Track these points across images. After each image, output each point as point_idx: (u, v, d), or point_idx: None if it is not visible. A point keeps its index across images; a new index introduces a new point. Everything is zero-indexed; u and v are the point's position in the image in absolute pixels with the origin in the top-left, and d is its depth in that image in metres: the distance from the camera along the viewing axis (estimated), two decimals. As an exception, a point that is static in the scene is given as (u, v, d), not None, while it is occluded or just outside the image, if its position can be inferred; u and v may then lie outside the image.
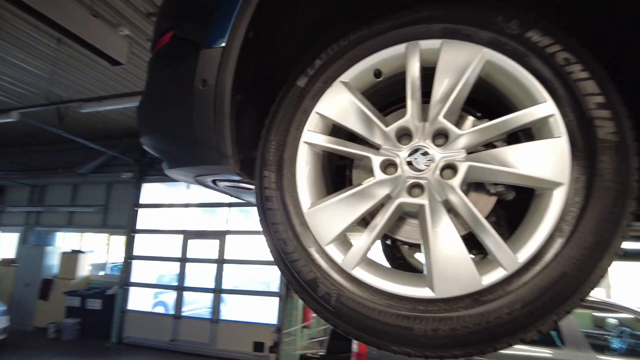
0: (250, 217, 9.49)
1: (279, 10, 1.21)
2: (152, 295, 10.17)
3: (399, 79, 1.09)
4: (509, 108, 1.02)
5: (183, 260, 9.65)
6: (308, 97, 1.10)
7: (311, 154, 1.08)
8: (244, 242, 9.33)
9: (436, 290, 0.90)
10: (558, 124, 0.90)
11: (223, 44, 1.15)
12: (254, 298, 9.07)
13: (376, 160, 1.00)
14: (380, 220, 0.96)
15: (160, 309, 10.00)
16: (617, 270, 7.42)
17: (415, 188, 0.98)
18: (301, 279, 0.98)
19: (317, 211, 1.01)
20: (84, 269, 10.70)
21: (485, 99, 1.13)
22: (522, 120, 0.94)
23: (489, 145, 1.01)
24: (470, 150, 0.97)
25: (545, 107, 0.91)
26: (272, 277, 8.97)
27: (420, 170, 0.97)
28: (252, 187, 1.53)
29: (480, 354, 0.86)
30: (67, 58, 6.51)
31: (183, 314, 9.38)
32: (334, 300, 0.95)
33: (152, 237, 10.19)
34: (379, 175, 0.99)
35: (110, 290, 9.88)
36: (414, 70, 1.02)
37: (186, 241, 9.72)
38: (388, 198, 0.98)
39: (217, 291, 9.18)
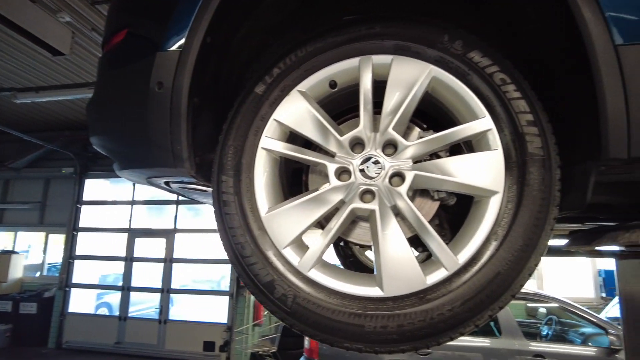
0: (199, 216, 9.31)
1: (237, 14, 1.23)
2: (95, 296, 9.69)
3: (353, 90, 1.14)
4: (452, 121, 1.11)
5: (129, 259, 9.29)
6: (266, 104, 1.13)
7: (269, 159, 1.12)
8: (193, 241, 9.14)
9: (385, 290, 0.97)
10: (495, 137, 1.00)
11: (181, 47, 1.15)
12: (204, 297, 8.92)
13: (331, 168, 1.05)
14: (335, 224, 1.02)
15: (103, 311, 9.57)
16: (546, 264, 8.07)
17: (367, 194, 1.04)
18: (258, 281, 1.01)
19: (275, 215, 1.05)
20: (17, 270, 9.97)
21: (431, 112, 1.22)
22: (463, 134, 1.03)
23: (434, 155, 1.10)
24: (417, 160, 1.05)
25: (484, 122, 1.01)
26: (222, 276, 8.86)
27: (371, 178, 1.03)
28: (207, 189, 1.53)
29: (425, 347, 0.94)
30: (1, 44, 6.04)
31: (129, 315, 9.03)
32: (291, 301, 0.99)
33: (95, 236, 9.70)
34: (334, 181, 1.04)
35: (48, 293, 9.30)
36: (366, 83, 1.08)
37: (132, 240, 9.35)
38: (342, 203, 1.04)
39: (166, 291, 8.93)
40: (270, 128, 1.12)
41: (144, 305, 9.25)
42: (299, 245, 1.06)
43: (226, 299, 8.54)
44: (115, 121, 1.35)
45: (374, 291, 0.98)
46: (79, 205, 9.75)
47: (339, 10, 1.32)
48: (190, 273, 9.19)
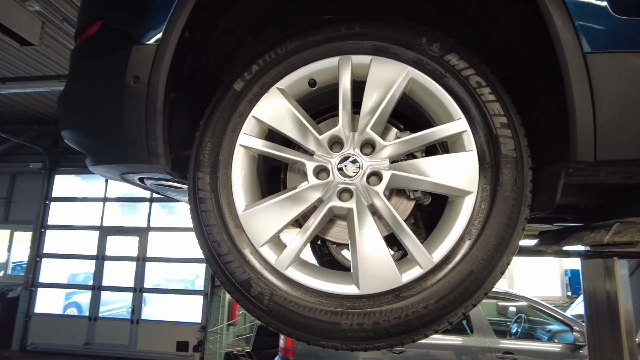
0: (173, 214, 9.15)
1: (215, 9, 1.22)
2: (64, 296, 9.38)
3: (332, 89, 1.15)
4: (429, 122, 1.13)
5: (100, 258, 9.04)
6: (245, 101, 1.12)
7: (247, 156, 1.11)
8: (167, 239, 8.98)
9: (361, 287, 0.98)
10: (470, 139, 1.02)
11: (158, 41, 1.13)
12: (178, 297, 8.77)
13: (310, 166, 1.06)
14: (313, 223, 1.02)
15: (72, 311, 9.27)
16: (517, 264, 8.31)
17: (345, 193, 1.05)
18: (235, 279, 1.00)
19: (252, 213, 1.04)
20: (-21, 269, 9.56)
21: (408, 113, 1.24)
22: (439, 135, 1.05)
23: (410, 155, 1.12)
24: (394, 160, 1.06)
25: (459, 124, 1.03)
26: (196, 275, 8.74)
27: (349, 177, 1.04)
28: (182, 186, 1.51)
29: (400, 344, 0.95)
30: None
31: (100, 315, 8.79)
32: (267, 300, 0.99)
33: (65, 234, 9.39)
34: (312, 180, 1.05)
35: (12, 293, 8.94)
36: (345, 83, 1.09)
37: (104, 238, 9.11)
38: (320, 202, 1.04)
39: (138, 290, 8.73)
40: (248, 125, 1.11)
41: (115, 305, 9.01)
42: (276, 243, 1.06)
43: (200, 298, 8.42)
44: (89, 115, 1.31)
45: (350, 289, 0.98)
46: (47, 202, 9.41)
47: (317, 9, 1.32)
48: (164, 272, 9.01)
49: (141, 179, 1.46)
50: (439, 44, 1.07)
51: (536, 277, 8.57)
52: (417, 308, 0.94)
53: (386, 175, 1.02)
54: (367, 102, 1.07)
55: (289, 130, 1.09)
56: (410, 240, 0.98)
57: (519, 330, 5.70)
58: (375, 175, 1.05)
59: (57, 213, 9.46)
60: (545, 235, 1.84)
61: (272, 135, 1.16)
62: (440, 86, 1.06)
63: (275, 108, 1.11)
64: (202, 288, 8.50)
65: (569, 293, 8.68)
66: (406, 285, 0.97)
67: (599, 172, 1.07)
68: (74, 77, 1.38)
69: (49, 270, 9.23)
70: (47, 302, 9.07)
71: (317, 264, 1.74)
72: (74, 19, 5.31)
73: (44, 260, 9.23)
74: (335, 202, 1.03)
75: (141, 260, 8.84)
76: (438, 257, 0.97)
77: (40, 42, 4.88)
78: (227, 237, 1.02)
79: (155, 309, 8.84)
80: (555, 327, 5.52)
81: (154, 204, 9.05)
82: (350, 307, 0.96)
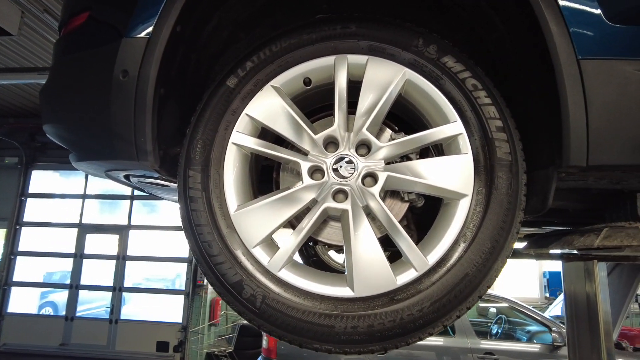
0: (155, 212, 9.00)
1: (208, 4, 1.20)
2: (39, 295, 9.12)
3: (327, 88, 1.14)
4: (423, 124, 1.13)
5: (79, 256, 8.82)
6: (238, 98, 1.10)
7: (239, 155, 1.09)
8: (148, 238, 8.82)
9: (356, 290, 0.96)
10: (465, 142, 1.02)
11: (149, 34, 1.10)
12: (158, 296, 8.63)
13: (305, 166, 1.04)
14: (307, 224, 1.01)
15: (48, 311, 9.03)
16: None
17: (340, 194, 1.04)
18: (226, 281, 0.98)
19: (245, 213, 1.02)
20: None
21: (402, 115, 1.23)
22: (435, 137, 1.04)
23: (404, 157, 1.11)
24: (389, 161, 1.05)
25: (455, 127, 1.03)
26: (177, 274, 8.62)
27: (344, 178, 1.03)
28: (169, 184, 1.48)
29: (394, 348, 0.95)
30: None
31: (77, 314, 8.58)
32: (260, 302, 0.97)
33: (41, 231, 9.13)
34: (307, 180, 1.03)
35: (-15, 292, 8.66)
36: (341, 82, 1.08)
37: (83, 235, 8.89)
38: (314, 202, 1.03)
39: (117, 289, 8.56)
40: (241, 123, 1.09)
41: (93, 304, 8.82)
42: (269, 244, 1.04)
43: (181, 298, 8.31)
44: (74, 110, 1.27)
45: (344, 291, 0.97)
46: (23, 198, 9.13)
47: (309, 9, 1.30)
48: (144, 271, 8.85)
49: (127, 177, 1.43)
50: (436, 46, 1.07)
51: (516, 278, 8.73)
52: (412, 311, 0.93)
53: (382, 177, 1.01)
54: (363, 103, 1.06)
55: (284, 129, 1.07)
56: (405, 242, 0.98)
57: (500, 331, 5.79)
58: (371, 177, 1.03)
59: (33, 210, 9.19)
60: (533, 239, 1.86)
61: (265, 133, 1.14)
62: (436, 88, 1.06)
63: (269, 106, 1.09)
64: (183, 287, 8.38)
65: (547, 294, 8.87)
66: (401, 288, 0.96)
67: (588, 177, 1.08)
68: (58, 69, 1.33)
69: (23, 269, 8.95)
70: (22, 302, 8.80)
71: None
72: (56, 11, 5.16)
73: (19, 258, 8.96)
74: (330, 203, 1.02)
75: (121, 258, 8.67)
76: (433, 260, 0.97)
77: (19, 32, 4.73)
78: (219, 237, 1.00)
79: (135, 308, 8.68)
80: (534, 327, 5.63)
81: (135, 202, 8.88)
82: (344, 310, 0.95)
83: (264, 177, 1.32)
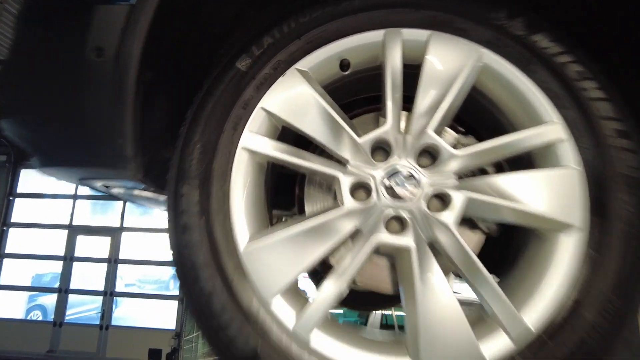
0: (148, 214, 8.69)
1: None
2: (27, 299, 8.78)
3: (370, 74, 0.85)
4: (500, 126, 0.83)
5: (69, 259, 8.49)
6: (251, 86, 0.80)
7: (252, 164, 0.78)
8: (141, 240, 8.51)
9: (422, 363, 0.66)
10: (569, 151, 0.73)
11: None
12: (151, 301, 8.32)
13: (346, 182, 0.74)
14: (352, 264, 0.70)
15: (37, 314, 8.69)
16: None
17: (394, 222, 0.74)
18: (234, 351, 0.67)
19: (261, 250, 0.71)
20: None
21: (462, 112, 0.94)
22: (527, 143, 0.75)
23: (478, 170, 0.81)
24: (461, 176, 0.76)
25: (555, 129, 0.74)
26: (171, 279, 8.31)
27: (401, 199, 0.73)
28: (159, 196, 1.21)
29: None
30: None
31: (67, 319, 8.24)
32: None
33: (30, 232, 8.78)
34: (349, 201, 0.72)
35: (-32, 296, 8.30)
36: (395, 65, 0.78)
37: (73, 237, 8.56)
38: (358, 233, 0.73)
39: (109, 294, 8.23)
40: (256, 120, 0.79)
41: (83, 308, 8.50)
42: (294, 292, 0.74)
43: (175, 303, 8.00)
44: (34, 100, 1.00)
45: (404, 365, 0.67)
46: (11, 198, 8.79)
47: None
48: (137, 275, 8.54)
49: (106, 185, 1.14)
50: (524, 19, 0.78)
51: None
52: None
53: (457, 199, 0.71)
54: (426, 94, 0.77)
55: (314, 129, 0.77)
56: (494, 296, 0.68)
57: None
58: (439, 199, 0.74)
59: (22, 210, 8.85)
60: None
61: (285, 134, 0.85)
62: (525, 76, 0.76)
63: (294, 97, 0.79)
64: (177, 293, 8.06)
65: None
66: None
67: None
68: (16, 49, 1.04)
69: (10, 271, 8.61)
70: (8, 306, 8.44)
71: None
72: None
73: (6, 261, 8.62)
74: (384, 236, 0.71)
75: (113, 262, 8.35)
76: (534, 323, 0.67)
77: None
78: (223, 285, 0.69)
79: (126, 313, 8.36)
80: None
81: (128, 203, 8.57)
82: None
83: (280, 189, 1.03)
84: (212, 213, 0.73)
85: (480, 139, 0.83)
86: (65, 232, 8.61)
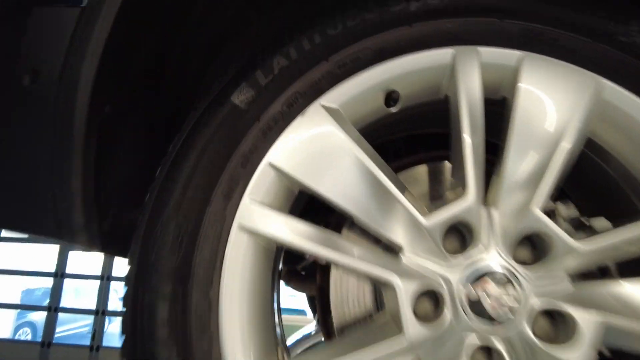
0: (147, 227, 8.43)
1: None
2: (15, 316, 8.48)
3: (427, 109, 0.58)
4: (620, 194, 0.56)
5: (59, 275, 8.18)
6: (254, 132, 0.52)
7: (255, 252, 0.51)
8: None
9: None
10: None
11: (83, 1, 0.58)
12: (145, 320, 8.00)
13: (406, 292, 0.46)
14: None
15: (26, 332, 8.39)
16: None
17: (480, 356, 0.46)
18: None
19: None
20: None
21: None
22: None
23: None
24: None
25: None
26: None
27: (492, 320, 0.45)
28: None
29: None
30: None
31: (57, 337, 7.91)
32: None
33: (18, 247, 8.51)
34: (412, 325, 0.45)
35: (-45, 312, 7.97)
36: (473, 96, 0.51)
37: (65, 253, 8.27)
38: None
39: (100, 312, 7.90)
40: (260, 183, 0.52)
41: (74, 325, 8.19)
42: None
43: (170, 323, 7.69)
44: None
45: None
46: (2, 211, 8.53)
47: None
48: (131, 292, 8.25)
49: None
50: None
51: None
52: None
53: (586, 325, 0.43)
54: (521, 148, 0.50)
55: (349, 196, 0.50)
56: None
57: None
58: (548, 316, 0.46)
59: (12, 224, 8.59)
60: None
61: (299, 201, 0.57)
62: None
63: (319, 148, 0.51)
64: (172, 312, 7.77)
65: None
66: None
67: None
68: None
69: (-1, 287, 8.32)
70: (-6, 325, 8.14)
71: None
72: None
73: (-7, 277, 8.32)
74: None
75: (105, 279, 8.04)
76: None
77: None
78: None
79: (119, 334, 8.05)
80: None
81: (124, 217, 8.31)
82: None
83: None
84: (190, 338, 0.45)
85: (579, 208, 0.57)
86: (56, 247, 8.33)
